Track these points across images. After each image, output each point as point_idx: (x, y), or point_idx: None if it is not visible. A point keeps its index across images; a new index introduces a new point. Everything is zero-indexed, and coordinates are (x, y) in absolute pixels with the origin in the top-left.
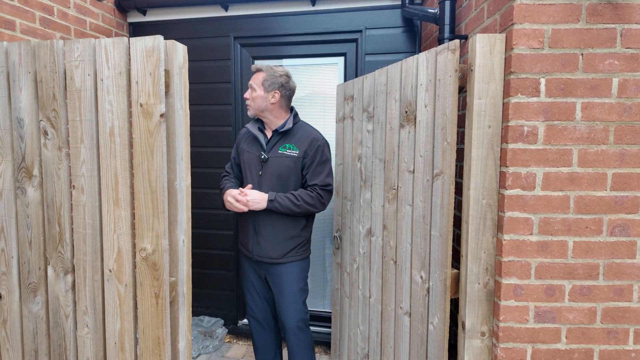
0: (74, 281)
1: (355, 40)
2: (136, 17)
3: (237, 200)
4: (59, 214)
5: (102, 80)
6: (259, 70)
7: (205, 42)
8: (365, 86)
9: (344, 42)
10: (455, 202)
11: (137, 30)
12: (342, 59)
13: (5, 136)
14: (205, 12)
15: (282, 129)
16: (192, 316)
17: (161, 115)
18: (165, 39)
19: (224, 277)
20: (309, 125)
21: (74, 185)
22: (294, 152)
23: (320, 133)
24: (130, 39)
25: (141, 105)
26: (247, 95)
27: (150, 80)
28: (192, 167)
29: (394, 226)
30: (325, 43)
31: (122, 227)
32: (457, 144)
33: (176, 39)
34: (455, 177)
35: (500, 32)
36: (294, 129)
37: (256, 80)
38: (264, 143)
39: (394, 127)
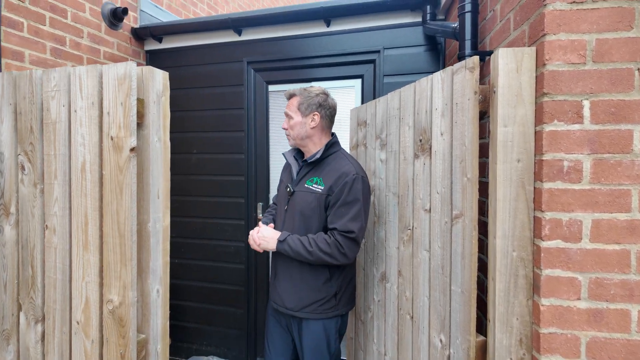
0: (43, 331)
1: (372, 61)
2: (152, 45)
3: (251, 235)
4: (32, 256)
5: (75, 111)
6: (292, 95)
7: (219, 68)
8: (378, 110)
9: (360, 64)
10: (481, 243)
11: (153, 57)
12: (359, 81)
13: None
14: (218, 37)
15: (312, 159)
16: (200, 356)
17: (131, 150)
18: (180, 65)
19: (234, 315)
20: (348, 156)
21: (47, 225)
22: (319, 187)
23: (357, 167)
24: (104, 66)
25: (112, 139)
26: (284, 125)
27: (121, 110)
28: (203, 196)
29: (410, 273)
30: (341, 65)
31: (91, 274)
32: (480, 176)
33: (191, 65)
34: (481, 215)
35: (529, 46)
36: (327, 160)
37: (291, 107)
38: (294, 173)
39: (408, 158)
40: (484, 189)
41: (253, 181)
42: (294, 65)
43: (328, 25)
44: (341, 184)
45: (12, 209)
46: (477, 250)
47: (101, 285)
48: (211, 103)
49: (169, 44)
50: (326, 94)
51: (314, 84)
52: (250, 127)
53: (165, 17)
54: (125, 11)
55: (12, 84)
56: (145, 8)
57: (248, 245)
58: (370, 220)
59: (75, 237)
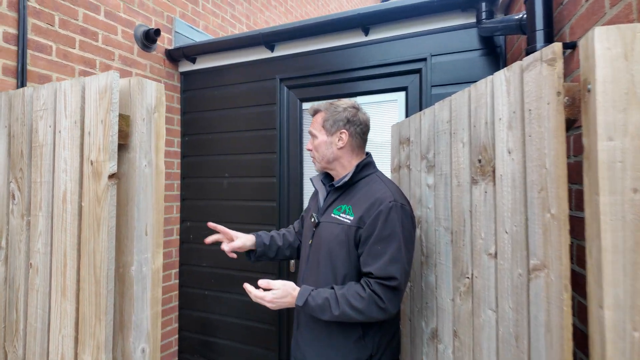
0: None
1: (418, 71)
2: (186, 66)
3: (256, 296)
4: (17, 297)
5: (59, 132)
6: (316, 111)
7: (251, 87)
8: (424, 125)
9: (404, 74)
10: (574, 303)
11: (187, 79)
12: (402, 94)
13: None
14: (251, 54)
15: (339, 183)
16: None
17: (110, 176)
18: (213, 86)
19: (265, 357)
20: (385, 180)
21: (31, 263)
22: (347, 217)
23: (395, 192)
24: (86, 78)
25: (92, 163)
26: (308, 145)
27: (101, 129)
28: (234, 222)
29: (470, 337)
30: (381, 77)
31: (67, 327)
32: (570, 209)
33: (224, 86)
34: (573, 263)
35: None
36: (358, 185)
37: (315, 124)
38: (321, 200)
39: (463, 183)
40: (576, 226)
41: (285, 207)
42: (329, 80)
43: (366, 34)
44: (374, 214)
45: (3, 243)
46: (570, 321)
47: (76, 340)
48: (243, 124)
49: (202, 64)
50: (356, 108)
51: (352, 99)
52: (282, 149)
53: (201, 38)
54: (157, 32)
55: (7, 104)
56: (180, 30)
57: (280, 277)
58: (416, 259)
59: (55, 280)
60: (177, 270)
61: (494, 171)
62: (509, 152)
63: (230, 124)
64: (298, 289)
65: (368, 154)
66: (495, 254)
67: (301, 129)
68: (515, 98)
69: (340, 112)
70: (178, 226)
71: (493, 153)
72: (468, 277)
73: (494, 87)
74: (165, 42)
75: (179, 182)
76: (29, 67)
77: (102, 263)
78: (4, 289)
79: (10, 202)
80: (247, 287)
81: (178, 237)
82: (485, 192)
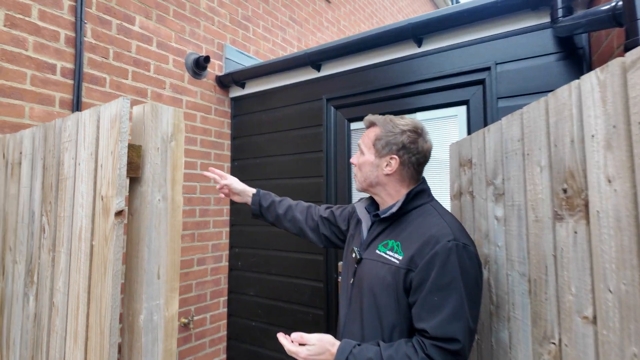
0: None
1: (481, 82)
2: (237, 91)
3: (289, 350)
4: (42, 337)
5: (79, 164)
6: (371, 123)
7: (298, 109)
8: (488, 144)
9: (464, 86)
10: None
11: (237, 104)
12: (463, 108)
13: (24, 231)
14: (298, 75)
15: (385, 214)
16: None
17: (118, 214)
18: (261, 110)
19: None
20: (443, 212)
21: (53, 302)
22: (395, 256)
23: (455, 228)
24: (102, 106)
25: (102, 199)
26: (353, 159)
27: (110, 161)
28: (282, 250)
29: None
30: (438, 91)
31: None
32: None
33: (272, 109)
34: None
35: None
36: (410, 217)
37: (365, 139)
38: (364, 231)
39: (542, 218)
40: None
41: None
42: (379, 97)
43: (419, 45)
44: (429, 256)
45: (35, 278)
46: None
47: None
48: (289, 147)
49: (251, 88)
50: (417, 133)
51: (417, 120)
52: (329, 173)
53: (252, 63)
54: (207, 59)
55: (44, 136)
56: (230, 56)
57: (328, 314)
58: (484, 308)
59: (69, 323)
60: (226, 298)
61: (586, 205)
62: (609, 181)
63: (277, 148)
64: (337, 344)
65: (422, 180)
66: (594, 318)
67: (349, 151)
68: (616, 108)
69: (397, 135)
70: (227, 252)
71: (584, 181)
72: (554, 343)
73: (581, 95)
74: (215, 68)
75: (229, 207)
76: (83, 99)
77: (105, 311)
78: (33, 326)
79: (41, 236)
80: (281, 339)
81: (227, 263)
82: (575, 232)
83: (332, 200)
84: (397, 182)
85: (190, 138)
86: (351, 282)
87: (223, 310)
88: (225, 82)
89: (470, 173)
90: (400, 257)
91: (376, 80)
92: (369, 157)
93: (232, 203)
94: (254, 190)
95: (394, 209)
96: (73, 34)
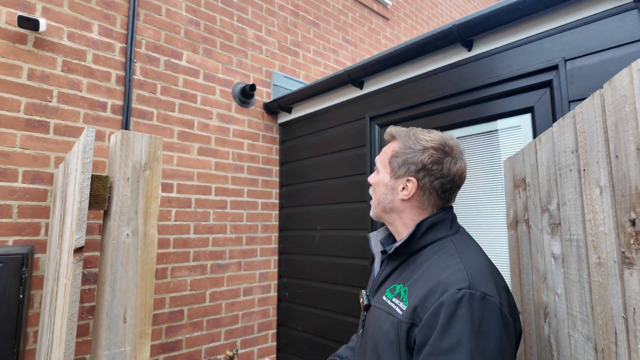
0: None
1: (547, 84)
2: (284, 117)
3: None
4: None
5: (69, 196)
6: (392, 137)
7: (341, 130)
8: (540, 158)
9: (527, 91)
10: None
11: (285, 129)
12: (527, 117)
13: (55, 261)
14: (341, 95)
15: (391, 250)
16: None
17: (76, 251)
18: (306, 133)
19: None
20: (465, 249)
21: (53, 336)
22: (400, 305)
23: (476, 272)
24: (81, 135)
25: (71, 234)
26: (370, 178)
27: (77, 194)
28: (321, 281)
29: None
30: (496, 99)
31: None
32: None
33: (316, 132)
34: None
35: None
36: (424, 254)
37: (383, 155)
38: (376, 269)
39: (606, 261)
40: None
41: None
42: (426, 111)
43: (469, 49)
44: (433, 308)
45: (51, 310)
46: None
47: None
48: (333, 170)
49: (297, 112)
50: (445, 151)
51: (456, 132)
52: None
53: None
54: (253, 88)
55: (64, 169)
56: (278, 82)
57: None
58: None
59: None
60: (275, 331)
61: None
62: None
63: (321, 172)
64: None
65: (446, 209)
66: None
67: None
68: None
69: (417, 152)
70: (275, 282)
71: None
72: None
73: None
74: (264, 96)
75: (277, 234)
76: None
77: (60, 358)
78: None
79: (57, 269)
80: None
81: (275, 294)
82: None
83: (377, 224)
84: (415, 210)
85: (237, 165)
86: (360, 333)
87: (272, 344)
88: (272, 108)
89: (525, 196)
90: (404, 307)
91: (422, 93)
92: (384, 176)
93: (281, 230)
94: None
95: (399, 242)
96: (123, 73)
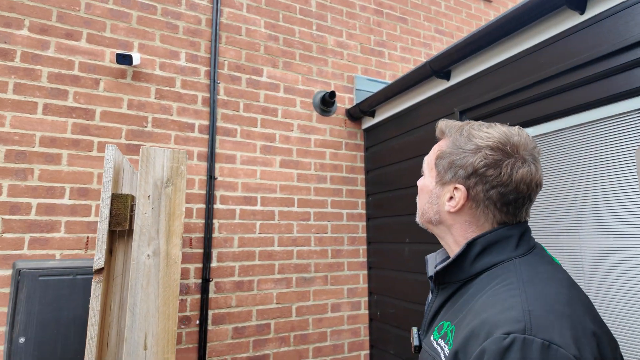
0: None
1: None
2: (368, 122)
3: None
4: None
5: None
6: (441, 132)
7: (427, 129)
8: None
9: None
10: None
11: (369, 135)
12: None
13: None
14: (426, 90)
15: (434, 271)
16: None
17: (96, 272)
18: (391, 137)
19: None
20: (527, 279)
21: None
22: (445, 349)
23: (534, 309)
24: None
25: None
26: (418, 182)
27: (99, 214)
28: (413, 302)
29: None
30: (619, 72)
31: None
32: None
33: (401, 134)
34: None
35: None
36: (478, 282)
37: (430, 156)
38: (428, 299)
39: None
40: None
41: None
42: (525, 99)
43: (582, 12)
44: (474, 354)
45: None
46: None
47: None
48: (414, 177)
49: (381, 115)
50: (505, 152)
51: (566, 120)
52: None
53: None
54: (332, 95)
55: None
56: (361, 86)
57: None
58: None
59: None
60: (368, 352)
61: None
62: None
63: (409, 177)
64: None
65: (514, 224)
66: None
67: None
68: None
69: (468, 153)
70: (366, 299)
71: None
72: None
73: None
74: (346, 102)
75: (365, 247)
76: (217, 150)
77: None
78: None
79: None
80: None
81: (367, 312)
82: None
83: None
84: (466, 226)
85: (319, 176)
86: None
87: None
88: (354, 113)
89: None
90: (449, 351)
91: (521, 76)
92: (429, 181)
93: (369, 242)
94: None
95: (441, 266)
96: (208, 95)
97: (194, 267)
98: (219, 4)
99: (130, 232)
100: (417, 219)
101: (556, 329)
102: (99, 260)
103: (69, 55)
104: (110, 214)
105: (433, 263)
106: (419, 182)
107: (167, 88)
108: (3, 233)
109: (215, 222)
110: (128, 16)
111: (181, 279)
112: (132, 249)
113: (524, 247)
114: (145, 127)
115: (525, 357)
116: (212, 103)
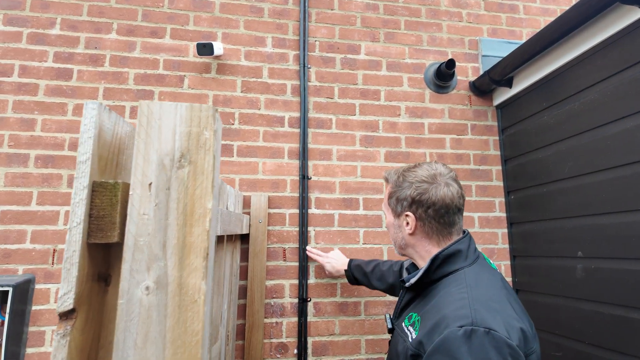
0: None
1: None
2: (502, 95)
3: None
4: None
5: None
6: (385, 180)
7: (610, 87)
8: None
9: None
10: None
11: (506, 112)
12: None
13: None
14: (600, 30)
15: (409, 283)
16: None
17: (61, 316)
18: (541, 109)
19: None
20: (474, 283)
21: None
22: (412, 333)
23: (478, 306)
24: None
25: None
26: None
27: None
28: (592, 345)
29: None
30: None
31: None
32: None
33: (557, 103)
34: None
35: None
36: (439, 286)
37: (384, 199)
38: (400, 294)
39: None
40: None
41: None
42: None
43: None
44: (434, 344)
45: None
46: None
47: None
48: (600, 158)
49: (523, 82)
50: (427, 182)
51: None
52: None
53: None
54: (450, 64)
55: None
56: (489, 51)
57: None
58: None
59: None
60: None
61: None
62: None
63: (575, 164)
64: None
65: (461, 237)
66: None
67: None
68: None
69: (405, 189)
70: None
71: None
72: None
73: None
74: (469, 74)
75: (509, 262)
76: (310, 146)
77: None
78: None
79: None
80: None
81: None
82: None
83: None
84: (424, 241)
85: None
86: (386, 357)
87: None
88: (482, 86)
89: None
90: (414, 337)
91: None
92: (389, 217)
93: (514, 256)
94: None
95: (414, 279)
96: (297, 82)
97: (289, 283)
98: None
99: (112, 246)
100: (395, 250)
101: (493, 320)
102: (65, 298)
103: (153, 53)
104: (90, 215)
105: (405, 265)
106: (386, 222)
107: (254, 79)
108: None
109: (311, 230)
110: (211, 5)
111: (275, 297)
112: (121, 276)
113: (470, 259)
114: (233, 124)
115: (474, 340)
116: (302, 91)
